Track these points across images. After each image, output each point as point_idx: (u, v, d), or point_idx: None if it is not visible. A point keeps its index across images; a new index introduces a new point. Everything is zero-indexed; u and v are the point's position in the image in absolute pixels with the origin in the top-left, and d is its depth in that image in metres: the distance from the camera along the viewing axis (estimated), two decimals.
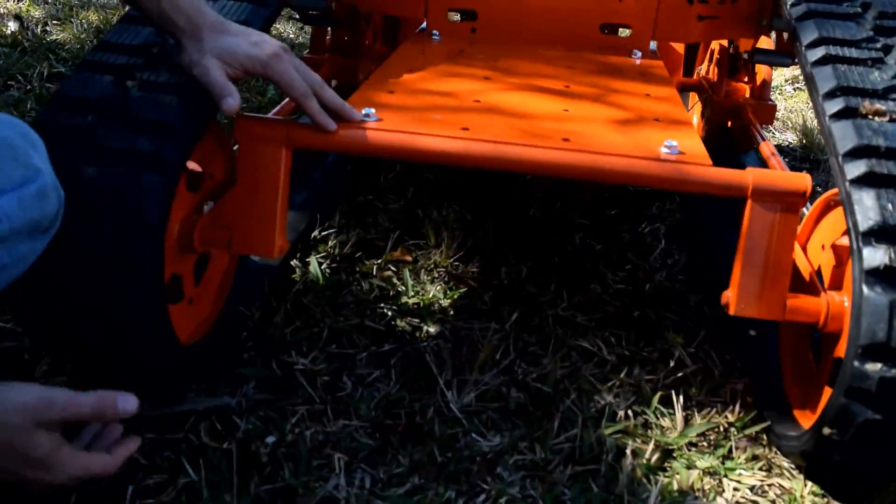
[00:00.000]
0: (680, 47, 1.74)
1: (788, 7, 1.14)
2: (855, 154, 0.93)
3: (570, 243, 1.45)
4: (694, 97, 1.91)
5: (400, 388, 1.12)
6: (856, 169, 0.92)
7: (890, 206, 0.88)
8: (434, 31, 1.46)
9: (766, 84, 1.58)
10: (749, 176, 1.01)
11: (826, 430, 0.91)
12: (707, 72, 1.79)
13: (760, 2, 1.37)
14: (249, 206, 1.06)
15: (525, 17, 1.43)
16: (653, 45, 1.51)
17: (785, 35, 1.44)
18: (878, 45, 1.07)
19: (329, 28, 1.67)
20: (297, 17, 1.54)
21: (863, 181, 0.91)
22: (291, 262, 1.35)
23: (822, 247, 1.10)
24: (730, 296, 1.03)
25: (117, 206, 0.90)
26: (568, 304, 1.31)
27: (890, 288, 0.86)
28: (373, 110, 1.08)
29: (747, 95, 1.65)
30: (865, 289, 0.86)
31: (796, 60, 1.45)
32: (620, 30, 1.58)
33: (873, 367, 0.85)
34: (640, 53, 1.43)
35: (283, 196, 1.06)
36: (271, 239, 1.06)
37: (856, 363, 0.86)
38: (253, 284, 1.26)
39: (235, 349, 1.16)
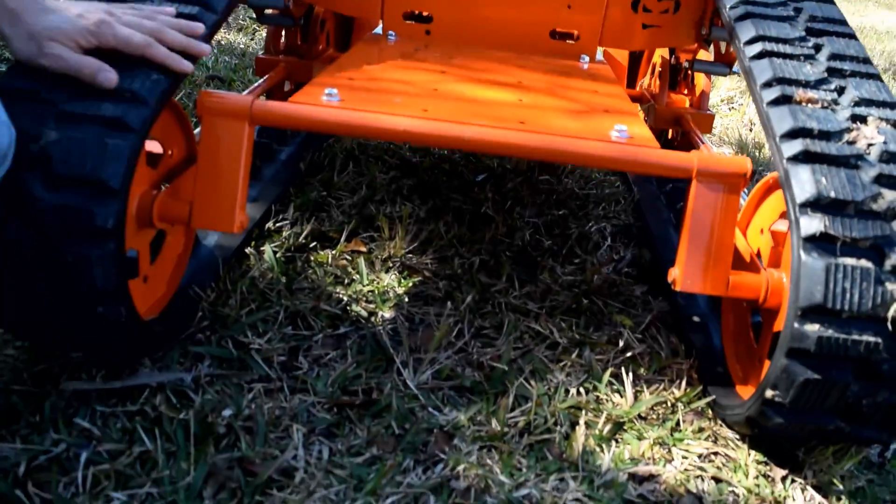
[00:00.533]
0: (623, 60, 1.82)
1: (728, 9, 1.21)
2: (791, 135, 1.00)
3: (521, 239, 1.49)
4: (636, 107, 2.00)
5: (356, 366, 1.13)
6: (792, 148, 0.99)
7: (823, 181, 0.95)
8: (390, 32, 1.50)
9: (704, 95, 1.67)
10: (694, 158, 1.07)
11: (769, 393, 0.95)
12: (649, 84, 1.87)
13: (701, 11, 1.45)
14: (211, 181, 1.07)
15: (478, 21, 1.49)
16: (599, 54, 1.59)
17: (723, 45, 1.53)
18: (810, 44, 1.15)
19: (283, 31, 1.70)
20: (255, 16, 1.56)
21: (798, 158, 0.98)
22: (246, 250, 1.35)
23: (761, 231, 1.17)
24: (676, 273, 1.08)
25: (80, 170, 0.90)
26: (519, 293, 1.34)
27: (825, 253, 0.91)
28: (335, 90, 1.10)
29: (687, 106, 1.73)
30: (803, 255, 0.92)
31: (733, 69, 1.54)
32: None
33: (811, 328, 0.91)
34: (587, 58, 1.50)
35: (244, 172, 1.07)
36: (232, 214, 1.07)
37: (795, 325, 0.91)
38: (207, 269, 1.26)
39: (189, 330, 1.15)
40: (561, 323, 1.28)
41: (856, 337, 0.90)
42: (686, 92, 1.76)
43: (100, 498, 0.89)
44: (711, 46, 1.60)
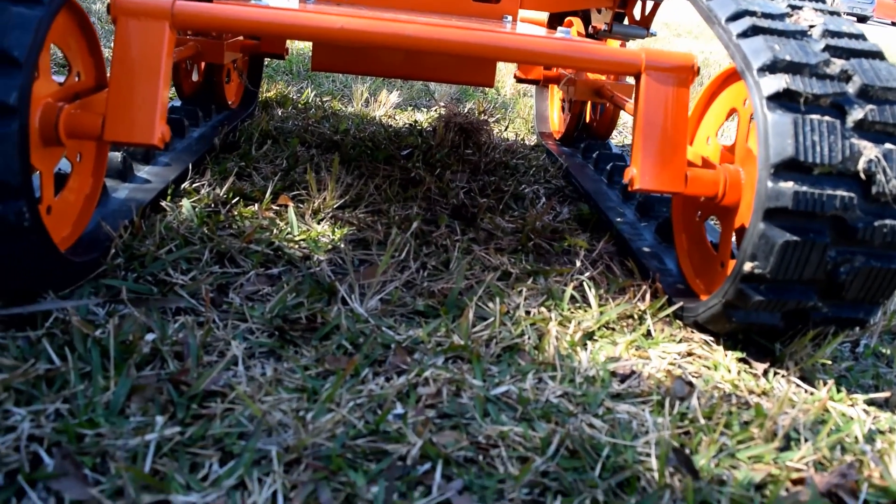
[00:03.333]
0: None
1: None
2: (736, 16, 0.99)
3: (455, 198, 1.42)
4: (552, 91, 2.01)
5: (296, 296, 1.01)
6: (740, 25, 0.98)
7: (777, 46, 0.93)
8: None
9: None
10: (641, 53, 1.05)
11: (747, 266, 0.90)
12: None
13: None
14: (126, 89, 0.96)
15: None
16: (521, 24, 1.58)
17: (638, 9, 1.56)
18: None
19: None
20: None
21: (748, 33, 0.97)
22: (161, 204, 1.21)
23: (707, 139, 1.15)
24: (633, 172, 1.04)
25: None
26: (462, 239, 1.26)
27: (790, 110, 0.89)
28: None
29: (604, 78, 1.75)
30: (768, 112, 0.89)
31: (650, 31, 1.57)
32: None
33: (786, 185, 0.87)
34: (510, 18, 1.49)
35: (165, 78, 0.97)
36: (151, 124, 0.96)
37: (769, 184, 0.88)
38: (117, 217, 1.12)
39: (100, 268, 1.01)
40: (511, 259, 1.20)
41: (830, 192, 0.87)
42: None
43: None
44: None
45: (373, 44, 0.99)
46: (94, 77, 1.06)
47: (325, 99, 2.11)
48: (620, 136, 2.20)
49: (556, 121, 1.99)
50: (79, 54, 1.02)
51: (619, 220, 1.35)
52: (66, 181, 1.03)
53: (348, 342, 0.93)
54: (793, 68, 0.92)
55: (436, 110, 2.11)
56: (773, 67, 0.92)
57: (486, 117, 2.01)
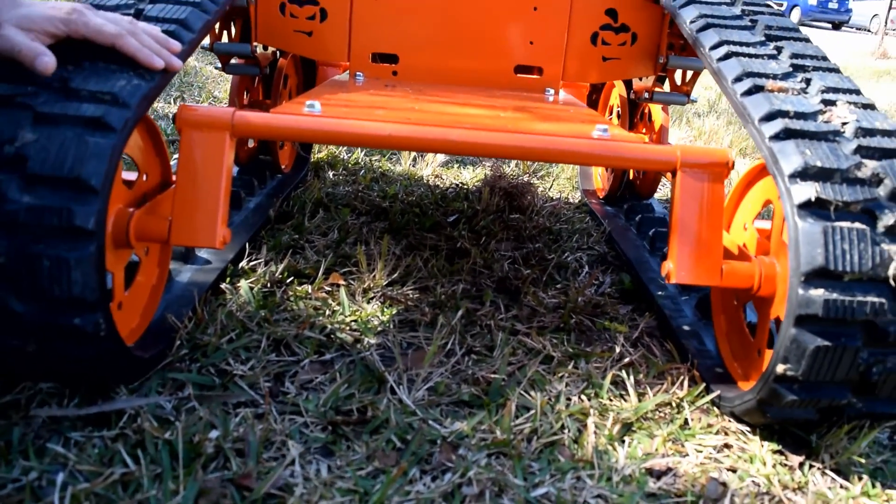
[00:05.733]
0: (582, 101, 1.87)
1: (688, 24, 1.27)
2: (769, 117, 1.03)
3: (500, 270, 1.47)
4: None
5: (347, 387, 1.08)
6: (773, 128, 1.01)
7: (808, 152, 0.96)
8: (358, 73, 1.51)
9: (663, 130, 1.72)
10: (677, 150, 1.08)
11: (780, 368, 0.93)
12: None
13: (657, 42, 1.51)
14: (191, 196, 1.03)
15: (444, 59, 1.52)
16: (563, 93, 1.63)
17: (679, 75, 1.59)
18: (770, 47, 1.20)
19: (246, 87, 1.70)
20: (219, 65, 1.56)
21: (780, 136, 1.00)
22: (221, 286, 1.29)
23: (744, 227, 1.18)
24: (669, 266, 1.07)
25: (59, 169, 0.86)
26: (506, 316, 1.31)
27: (820, 218, 0.92)
28: (316, 102, 1.10)
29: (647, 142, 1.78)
30: (799, 221, 0.92)
31: (691, 98, 1.60)
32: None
33: (817, 293, 0.90)
34: (552, 91, 1.53)
35: (226, 185, 1.04)
36: (213, 229, 1.03)
37: (800, 291, 0.90)
38: (182, 303, 1.20)
39: (167, 359, 1.08)
40: (552, 339, 1.25)
41: (860, 298, 0.90)
42: (644, 130, 1.81)
43: None
44: (666, 83, 1.67)
45: (421, 150, 1.05)
46: (159, 174, 1.14)
47: (374, 158, 2.18)
48: (664, 189, 2.22)
49: (600, 178, 2.02)
50: (145, 156, 1.10)
51: (660, 293, 1.39)
52: (134, 273, 1.11)
53: (397, 438, 0.98)
54: (823, 175, 0.95)
55: (481, 169, 2.17)
56: (803, 174, 0.95)
57: (530, 178, 2.06)
